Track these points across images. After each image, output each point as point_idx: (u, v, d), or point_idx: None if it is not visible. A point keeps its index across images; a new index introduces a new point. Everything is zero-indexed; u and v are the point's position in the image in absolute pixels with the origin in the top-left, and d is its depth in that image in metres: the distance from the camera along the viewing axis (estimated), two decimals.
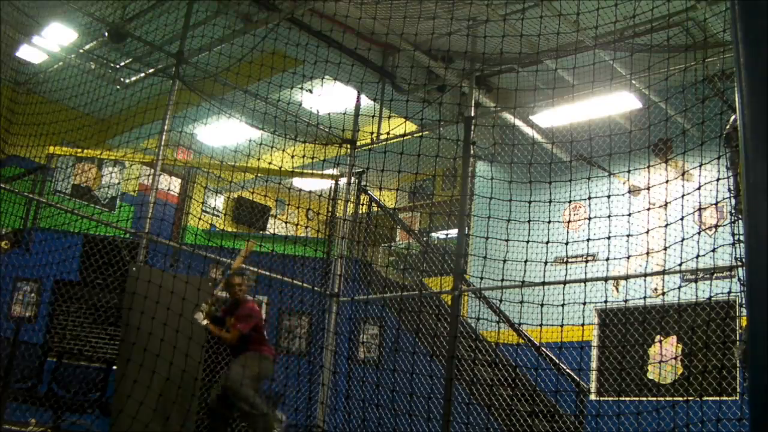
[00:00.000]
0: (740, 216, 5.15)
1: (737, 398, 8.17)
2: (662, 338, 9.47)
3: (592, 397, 9.46)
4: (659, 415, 7.57)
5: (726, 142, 5.26)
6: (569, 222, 9.76)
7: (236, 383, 6.69)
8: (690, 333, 8.91)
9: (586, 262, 9.04)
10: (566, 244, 7.19)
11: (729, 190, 5.45)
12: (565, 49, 8.59)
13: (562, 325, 6.68)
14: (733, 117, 5.18)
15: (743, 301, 5.13)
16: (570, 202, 7.84)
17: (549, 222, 7.24)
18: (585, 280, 7.54)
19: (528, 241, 7.04)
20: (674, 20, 8.08)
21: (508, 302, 7.78)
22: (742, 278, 5.64)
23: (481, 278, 7.64)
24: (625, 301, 7.99)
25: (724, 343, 8.38)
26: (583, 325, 7.27)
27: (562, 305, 6.69)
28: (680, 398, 8.36)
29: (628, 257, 7.28)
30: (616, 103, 9.45)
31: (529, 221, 7.19)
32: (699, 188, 6.38)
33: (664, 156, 9.57)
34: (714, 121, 7.03)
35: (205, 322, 6.95)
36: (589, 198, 6.98)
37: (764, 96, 2.17)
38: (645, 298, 8.01)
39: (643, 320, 9.42)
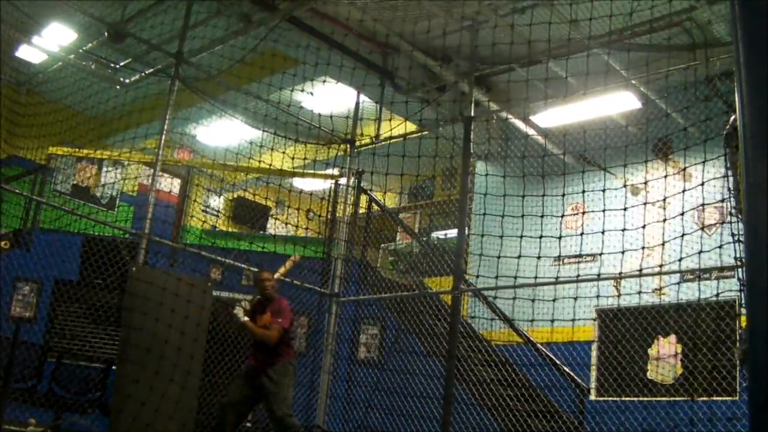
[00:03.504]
0: (740, 216, 5.14)
1: (737, 398, 8.18)
2: (662, 338, 9.47)
3: (592, 396, 9.45)
4: (659, 415, 7.58)
5: (726, 142, 5.26)
6: (566, 218, 9.76)
7: (288, 412, 6.42)
8: (690, 333, 8.91)
9: (578, 263, 9.04)
10: (559, 239, 7.19)
11: (729, 189, 5.45)
12: (566, 49, 8.58)
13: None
14: (732, 117, 5.17)
15: (743, 301, 5.13)
16: (564, 204, 7.84)
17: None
18: (584, 280, 7.55)
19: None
20: (674, 20, 8.08)
21: (505, 301, 7.79)
22: (742, 278, 5.64)
23: (480, 276, 7.65)
24: (619, 300, 7.98)
25: (724, 342, 8.39)
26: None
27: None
28: (680, 398, 8.36)
29: (622, 253, 7.28)
30: (616, 103, 9.44)
31: (523, 215, 7.20)
32: (695, 187, 6.38)
33: (663, 156, 9.57)
34: (714, 120, 7.04)
35: (245, 318, 6.54)
36: (583, 191, 6.98)
37: (764, 96, 2.17)
38: (640, 292, 8.01)
39: (644, 320, 9.42)
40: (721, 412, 7.66)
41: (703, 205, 6.39)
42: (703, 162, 6.18)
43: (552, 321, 6.93)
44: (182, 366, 7.12)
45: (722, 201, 6.25)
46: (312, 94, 8.95)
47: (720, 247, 5.99)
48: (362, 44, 9.46)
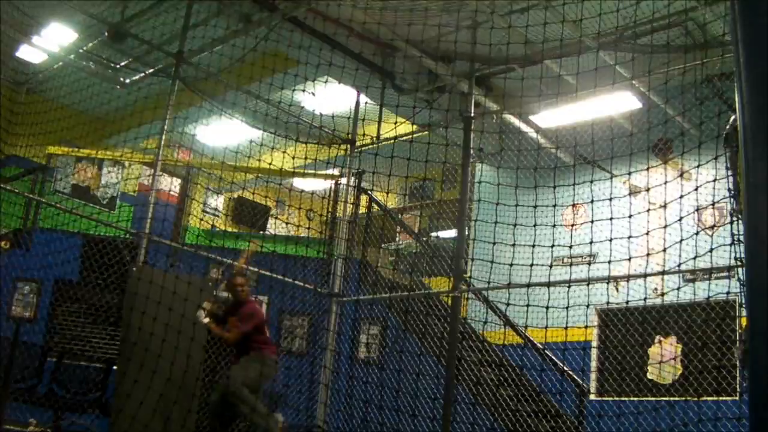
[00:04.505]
0: (740, 216, 5.14)
1: (737, 398, 8.17)
2: (662, 338, 9.47)
3: (592, 397, 9.45)
4: (659, 415, 7.58)
5: (726, 142, 5.26)
6: (572, 225, 9.76)
7: (237, 386, 6.70)
8: (690, 333, 8.91)
9: (590, 264, 9.04)
10: (570, 247, 7.19)
11: (729, 190, 5.45)
12: (567, 49, 8.58)
13: (566, 327, 6.68)
14: (732, 117, 5.17)
15: (743, 301, 5.13)
16: (570, 205, 7.84)
17: (553, 226, 7.24)
18: (587, 281, 7.54)
19: (534, 245, 7.03)
20: (674, 20, 8.08)
21: (508, 303, 7.78)
22: (742, 278, 5.64)
23: (488, 281, 7.64)
24: (627, 302, 7.97)
25: (724, 342, 8.39)
26: (586, 326, 7.26)
27: (567, 307, 6.68)
28: (680, 398, 8.36)
29: (630, 258, 7.27)
30: (615, 103, 9.43)
31: (530, 224, 7.19)
32: (697, 188, 6.38)
33: (664, 156, 9.56)
34: (714, 121, 7.02)
35: (206, 320, 6.92)
36: (592, 201, 6.98)
37: (764, 96, 2.17)
38: (645, 298, 7.99)
39: (643, 320, 9.42)
40: (721, 412, 7.66)
41: (698, 208, 6.38)
42: (698, 162, 6.18)
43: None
44: (182, 366, 7.12)
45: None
46: (313, 94, 8.94)
47: (711, 250, 5.99)
48: (362, 44, 9.45)
